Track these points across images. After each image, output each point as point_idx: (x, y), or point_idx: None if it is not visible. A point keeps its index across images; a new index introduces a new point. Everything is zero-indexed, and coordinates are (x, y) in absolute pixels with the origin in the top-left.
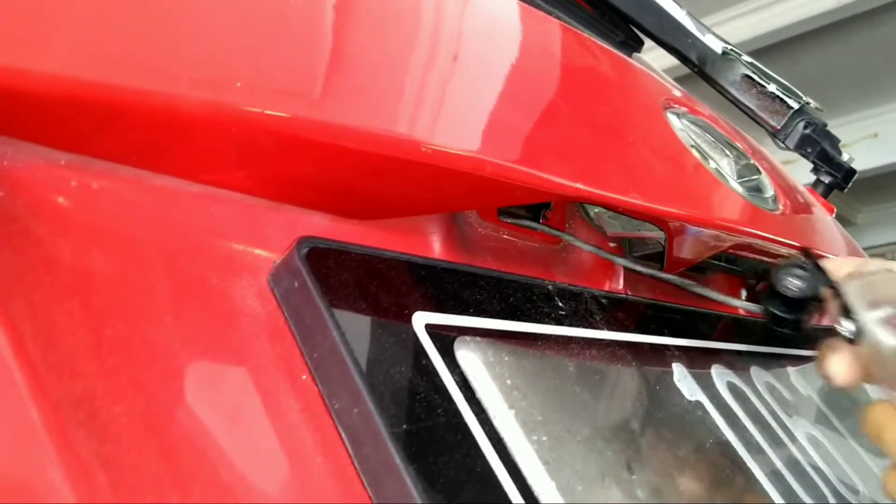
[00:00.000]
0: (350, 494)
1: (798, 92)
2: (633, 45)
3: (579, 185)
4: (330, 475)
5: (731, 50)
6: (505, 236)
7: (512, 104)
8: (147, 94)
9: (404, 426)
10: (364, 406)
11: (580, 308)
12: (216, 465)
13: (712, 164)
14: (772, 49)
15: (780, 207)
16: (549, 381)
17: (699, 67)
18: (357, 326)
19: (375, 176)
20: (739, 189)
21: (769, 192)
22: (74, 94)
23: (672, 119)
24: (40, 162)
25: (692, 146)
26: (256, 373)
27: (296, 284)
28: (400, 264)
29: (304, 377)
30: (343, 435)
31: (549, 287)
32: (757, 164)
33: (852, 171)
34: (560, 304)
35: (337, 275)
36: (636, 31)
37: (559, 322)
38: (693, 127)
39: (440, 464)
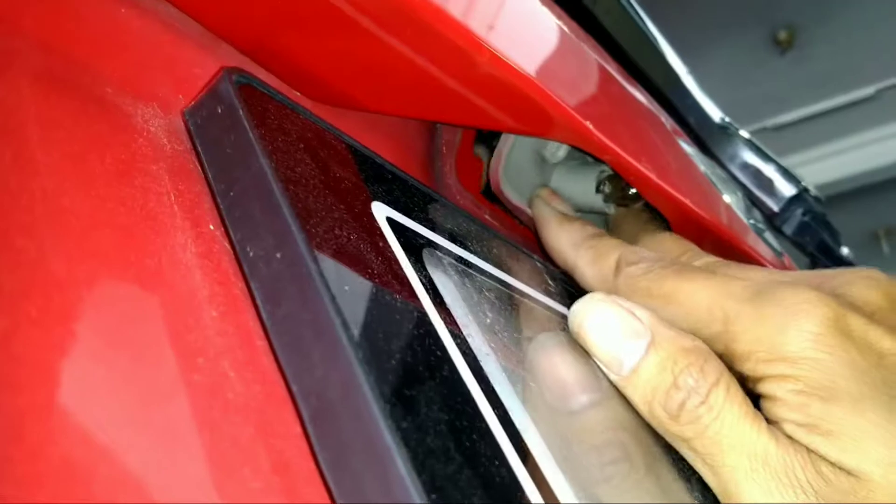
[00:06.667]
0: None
1: (797, 177)
2: None
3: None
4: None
5: (729, 123)
6: (486, 217)
7: (564, 43)
8: None
9: (346, 287)
10: (292, 248)
11: (561, 289)
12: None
13: (725, 196)
14: None
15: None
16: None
17: (696, 133)
18: (298, 185)
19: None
20: (749, 223)
21: (773, 242)
22: None
23: (686, 148)
24: None
25: (706, 174)
26: (154, 216)
27: (219, 109)
28: (362, 155)
29: (212, 227)
30: (255, 288)
31: (539, 263)
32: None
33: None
34: (546, 278)
35: (275, 124)
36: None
37: (543, 294)
38: (702, 159)
39: (384, 336)
